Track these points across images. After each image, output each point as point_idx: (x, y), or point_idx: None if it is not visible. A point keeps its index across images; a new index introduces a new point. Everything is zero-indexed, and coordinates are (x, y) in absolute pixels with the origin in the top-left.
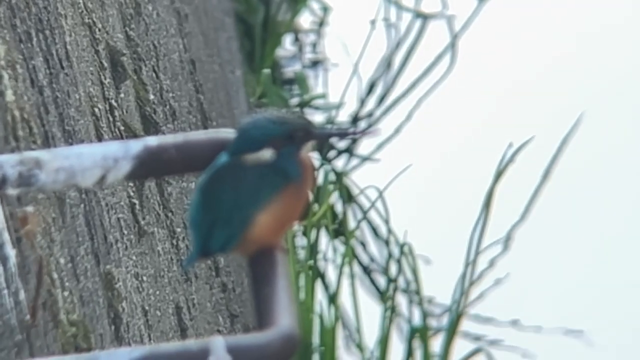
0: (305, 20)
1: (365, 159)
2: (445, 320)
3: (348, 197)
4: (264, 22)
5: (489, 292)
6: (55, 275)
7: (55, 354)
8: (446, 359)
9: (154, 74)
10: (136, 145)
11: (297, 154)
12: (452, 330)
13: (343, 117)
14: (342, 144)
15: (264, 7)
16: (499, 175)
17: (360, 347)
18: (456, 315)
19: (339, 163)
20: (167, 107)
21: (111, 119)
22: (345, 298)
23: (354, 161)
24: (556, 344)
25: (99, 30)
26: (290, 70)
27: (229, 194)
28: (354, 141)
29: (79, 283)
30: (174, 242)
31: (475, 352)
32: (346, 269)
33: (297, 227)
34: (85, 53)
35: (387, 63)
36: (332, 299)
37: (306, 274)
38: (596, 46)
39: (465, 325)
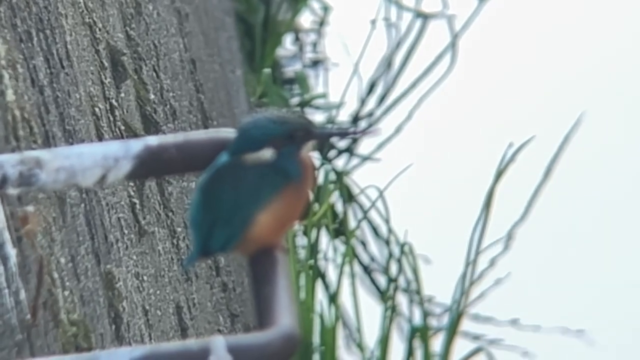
0: (305, 19)
1: (365, 158)
2: (445, 320)
3: (348, 197)
4: (265, 21)
5: (489, 291)
6: (55, 275)
7: (55, 353)
8: (446, 359)
9: (154, 74)
10: (137, 145)
11: (297, 153)
12: (452, 330)
13: (343, 116)
14: (342, 144)
15: (264, 7)
16: (499, 174)
17: (360, 346)
18: (457, 315)
19: (340, 163)
20: (168, 106)
21: (112, 118)
22: (345, 298)
23: (355, 161)
24: (556, 344)
25: (100, 29)
26: (291, 69)
27: (230, 193)
28: (355, 141)
29: (80, 282)
30: (175, 241)
31: (476, 351)
32: (346, 269)
33: (297, 226)
34: (86, 53)
35: (388, 63)
36: (333, 298)
37: (306, 274)
38: (596, 46)
39: (466, 324)
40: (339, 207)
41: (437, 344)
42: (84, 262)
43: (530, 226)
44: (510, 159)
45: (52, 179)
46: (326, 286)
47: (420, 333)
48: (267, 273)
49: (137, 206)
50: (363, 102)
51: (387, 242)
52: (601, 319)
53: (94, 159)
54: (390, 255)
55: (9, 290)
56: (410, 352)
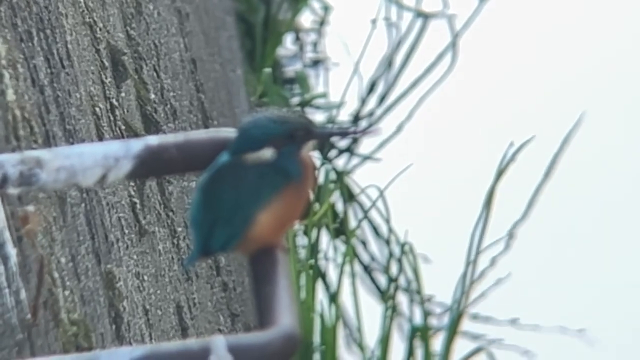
0: (306, 19)
1: (366, 158)
2: (446, 320)
3: (349, 197)
4: (265, 21)
5: (489, 291)
6: (56, 275)
7: (56, 353)
8: (447, 358)
9: (154, 73)
10: (137, 145)
11: (297, 153)
12: (452, 330)
13: (344, 116)
14: (343, 143)
15: (264, 6)
16: (500, 174)
17: (361, 346)
18: (457, 315)
19: (340, 162)
20: (168, 106)
21: (112, 118)
22: (346, 297)
23: (355, 160)
24: (556, 343)
25: (100, 29)
26: (291, 69)
27: (230, 193)
28: (355, 140)
29: (80, 282)
30: (175, 241)
31: (476, 351)
32: (347, 268)
33: (297, 226)
34: (86, 52)
35: (388, 62)
36: (333, 298)
37: (307, 273)
38: (596, 46)
39: (466, 324)
40: (340, 207)
41: (437, 343)
42: (85, 262)
43: (531, 226)
44: (511, 158)
45: (53, 178)
46: (326, 286)
47: (420, 333)
48: (267, 273)
49: (138, 206)
50: (363, 101)
51: (388, 242)
52: (601, 319)
53: (94, 158)
54: (391, 254)
55: (10, 290)
56: (410, 352)
